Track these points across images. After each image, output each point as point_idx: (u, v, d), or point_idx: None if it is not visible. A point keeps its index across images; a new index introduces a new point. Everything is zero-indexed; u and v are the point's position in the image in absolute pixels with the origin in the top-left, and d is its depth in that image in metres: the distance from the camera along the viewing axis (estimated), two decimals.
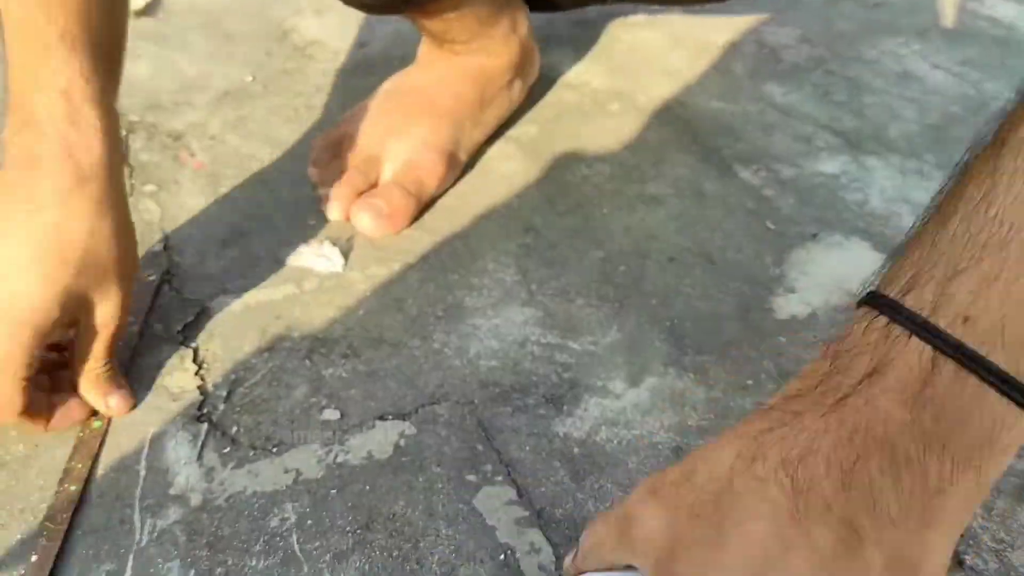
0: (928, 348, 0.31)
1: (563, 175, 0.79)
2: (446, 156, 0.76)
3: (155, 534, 0.51)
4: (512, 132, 0.84)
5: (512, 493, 0.53)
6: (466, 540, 0.51)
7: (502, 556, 0.50)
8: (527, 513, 0.52)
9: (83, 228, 0.52)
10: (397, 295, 0.67)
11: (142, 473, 0.54)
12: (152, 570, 0.49)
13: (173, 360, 0.61)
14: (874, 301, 0.33)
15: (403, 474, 0.54)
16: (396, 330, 0.64)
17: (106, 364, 0.56)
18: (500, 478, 0.54)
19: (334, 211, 0.73)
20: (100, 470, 0.54)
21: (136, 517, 0.52)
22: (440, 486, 0.54)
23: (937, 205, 0.34)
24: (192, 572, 0.49)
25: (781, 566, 0.31)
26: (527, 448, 0.56)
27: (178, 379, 0.60)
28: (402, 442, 0.56)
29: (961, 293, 0.30)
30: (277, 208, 0.74)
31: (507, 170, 0.80)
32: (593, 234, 0.73)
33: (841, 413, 0.32)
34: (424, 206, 0.75)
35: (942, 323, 0.31)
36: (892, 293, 0.32)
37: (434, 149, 0.75)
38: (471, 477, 0.54)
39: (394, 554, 0.50)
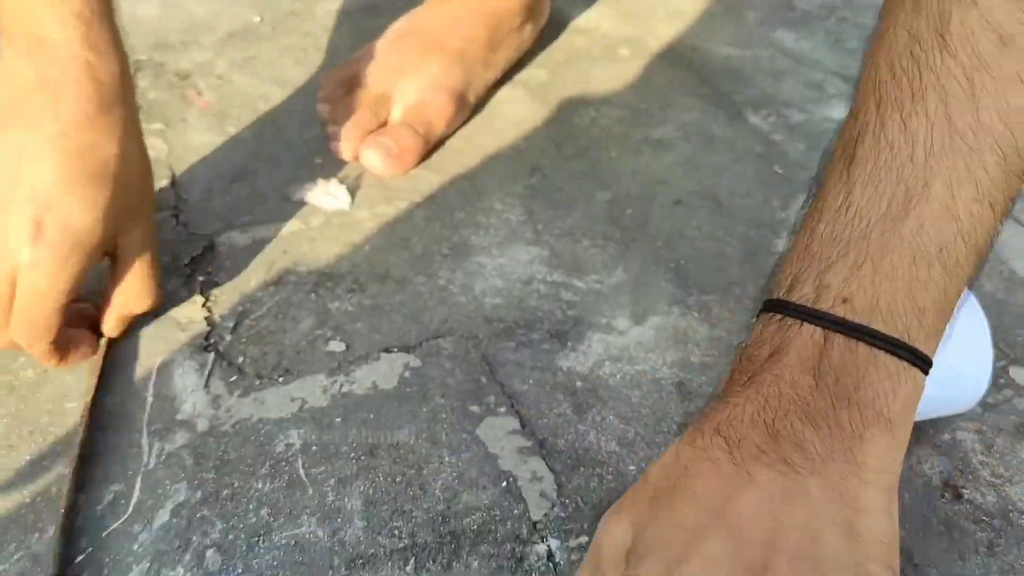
0: (818, 329, 0.36)
1: (571, 119, 0.79)
2: (455, 97, 0.75)
3: (163, 457, 0.51)
4: (521, 76, 0.84)
5: (515, 424, 0.54)
6: (469, 467, 0.51)
7: (504, 483, 0.51)
8: (529, 443, 0.53)
9: (114, 150, 0.51)
10: (403, 233, 0.67)
11: (150, 399, 0.55)
12: (160, 491, 0.50)
13: (181, 292, 0.61)
14: (767, 306, 0.39)
15: (407, 404, 0.55)
16: (402, 267, 0.64)
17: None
18: (503, 409, 0.55)
19: (342, 149, 0.73)
20: (109, 396, 0.55)
21: (144, 441, 0.52)
22: (444, 416, 0.54)
23: (803, 219, 0.40)
24: (199, 493, 0.50)
25: (732, 506, 0.33)
26: (530, 381, 0.56)
27: (185, 311, 0.60)
28: (407, 374, 0.57)
29: (836, 281, 0.36)
30: (284, 147, 0.74)
31: (515, 113, 0.79)
32: (600, 177, 0.73)
33: (755, 387, 0.36)
34: (432, 147, 0.75)
35: (824, 307, 0.36)
36: (780, 295, 0.38)
37: (444, 90, 0.75)
38: (474, 408, 0.55)
39: (398, 479, 0.51)
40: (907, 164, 0.36)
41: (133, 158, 0.53)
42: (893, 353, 0.35)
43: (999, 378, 0.57)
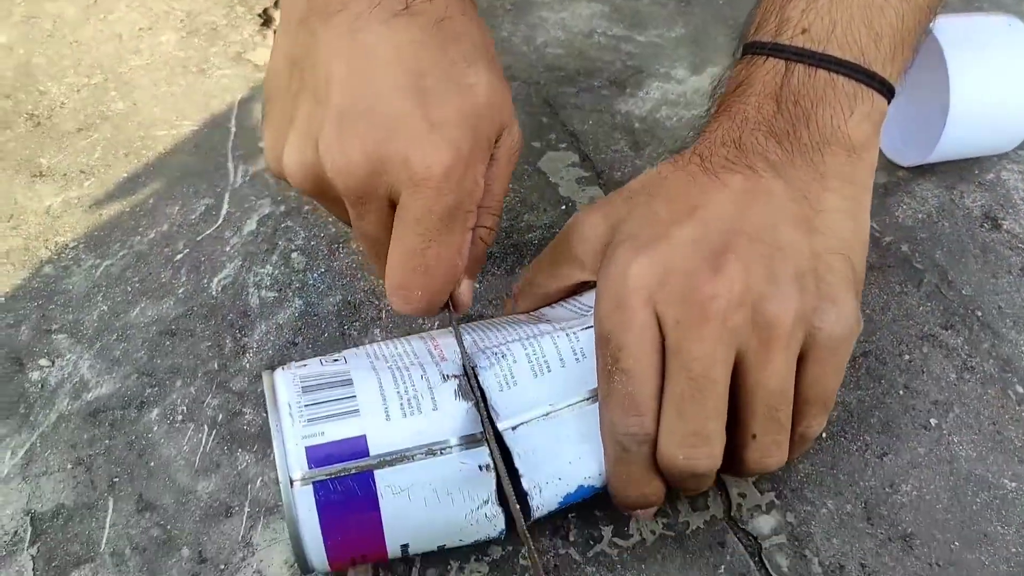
0: (780, 61, 0.38)
1: None
2: None
3: (247, 178, 0.56)
4: None
5: (575, 158, 0.57)
6: (530, 193, 0.55)
7: (563, 207, 0.54)
8: (588, 174, 0.56)
9: (474, 39, 0.39)
10: None
11: (233, 130, 0.58)
12: (247, 205, 0.54)
13: (255, 37, 0.64)
14: (742, 51, 0.40)
15: None
16: None
17: (491, 225, 0.40)
18: (564, 145, 0.58)
19: None
20: (193, 127, 0.59)
21: (230, 164, 0.56)
22: None
23: None
24: (282, 207, 0.54)
25: (701, 202, 0.36)
26: (590, 122, 0.59)
27: (261, 54, 0.63)
28: None
29: (795, 14, 0.38)
30: None
31: None
32: None
33: (726, 114, 0.39)
34: None
35: (784, 39, 0.38)
36: (748, 38, 0.40)
37: None
38: (536, 144, 0.58)
39: None
40: None
41: (492, 60, 0.40)
42: (850, 76, 0.37)
43: None
